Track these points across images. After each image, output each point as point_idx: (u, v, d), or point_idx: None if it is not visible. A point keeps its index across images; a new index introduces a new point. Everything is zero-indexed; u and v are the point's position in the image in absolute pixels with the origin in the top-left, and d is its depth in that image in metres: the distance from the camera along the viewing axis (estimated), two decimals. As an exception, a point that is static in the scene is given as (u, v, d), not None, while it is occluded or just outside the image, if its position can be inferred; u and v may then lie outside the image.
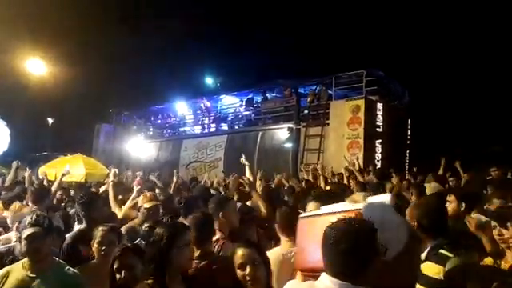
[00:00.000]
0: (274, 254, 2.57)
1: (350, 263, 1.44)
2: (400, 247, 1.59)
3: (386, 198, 1.89)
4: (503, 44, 15.04)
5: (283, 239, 2.86)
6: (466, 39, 16.84)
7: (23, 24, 18.47)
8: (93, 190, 6.91)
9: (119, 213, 4.46)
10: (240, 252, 2.05)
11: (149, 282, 2.04)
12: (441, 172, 6.86)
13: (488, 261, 2.45)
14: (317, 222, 1.77)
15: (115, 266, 2.25)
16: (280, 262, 2.56)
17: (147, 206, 3.91)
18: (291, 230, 2.80)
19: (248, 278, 1.96)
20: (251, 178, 6.22)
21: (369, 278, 1.46)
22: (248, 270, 1.98)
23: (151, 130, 20.50)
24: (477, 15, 16.49)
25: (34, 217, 2.44)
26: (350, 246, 1.44)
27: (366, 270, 1.46)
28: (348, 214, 1.66)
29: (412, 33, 18.61)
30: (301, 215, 2.28)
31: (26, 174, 6.58)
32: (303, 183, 7.59)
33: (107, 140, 20.54)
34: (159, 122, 20.63)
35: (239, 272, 2.01)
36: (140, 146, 18.34)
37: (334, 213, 1.76)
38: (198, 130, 18.44)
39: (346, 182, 6.95)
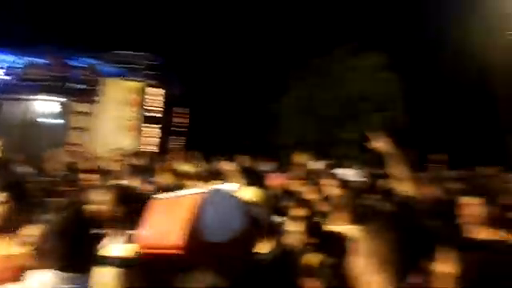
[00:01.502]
0: None
1: (60, 251, 1.42)
2: (231, 234, 1.66)
3: (232, 186, 1.93)
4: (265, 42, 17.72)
5: None
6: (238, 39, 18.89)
7: None
8: None
9: None
10: None
11: None
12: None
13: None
14: (163, 203, 1.71)
15: None
16: None
17: None
18: None
19: None
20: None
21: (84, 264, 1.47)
22: None
23: None
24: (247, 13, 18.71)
25: None
26: (62, 234, 1.43)
27: (76, 257, 1.45)
28: (193, 196, 1.64)
29: (195, 25, 19.53)
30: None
31: None
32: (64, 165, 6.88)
33: None
34: None
35: None
36: None
37: (178, 197, 1.76)
38: None
39: (114, 165, 6.70)
